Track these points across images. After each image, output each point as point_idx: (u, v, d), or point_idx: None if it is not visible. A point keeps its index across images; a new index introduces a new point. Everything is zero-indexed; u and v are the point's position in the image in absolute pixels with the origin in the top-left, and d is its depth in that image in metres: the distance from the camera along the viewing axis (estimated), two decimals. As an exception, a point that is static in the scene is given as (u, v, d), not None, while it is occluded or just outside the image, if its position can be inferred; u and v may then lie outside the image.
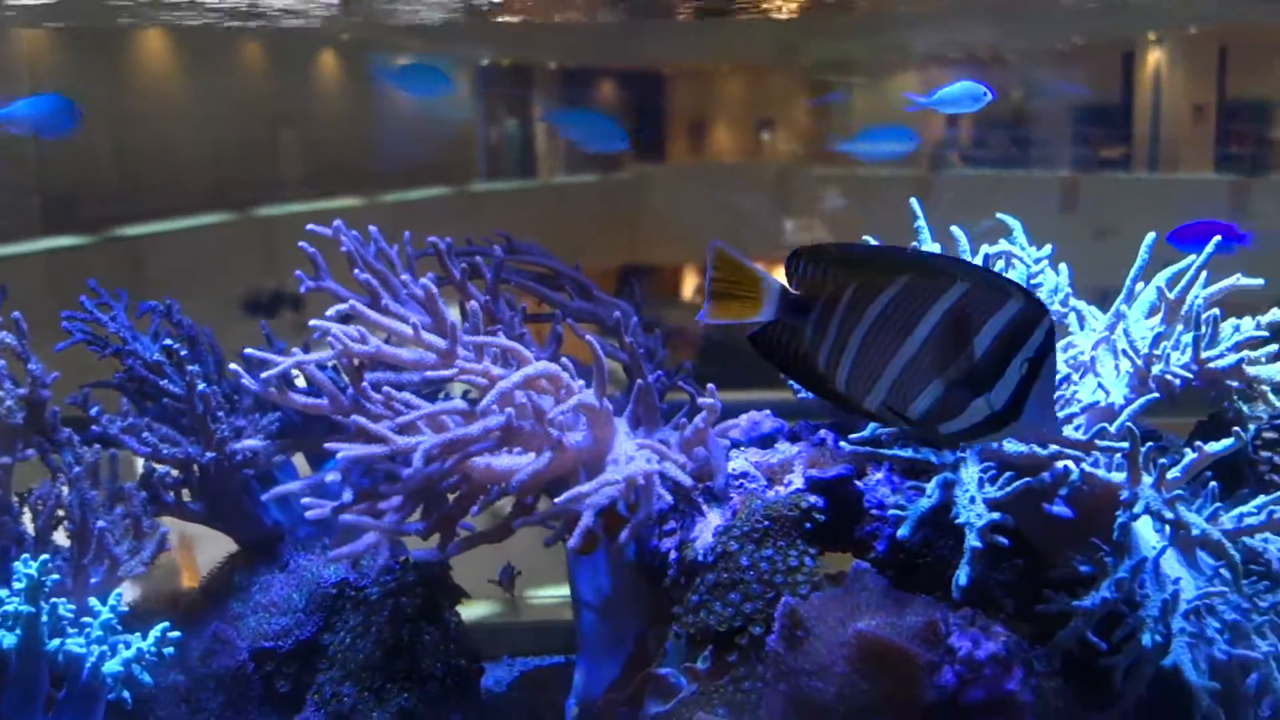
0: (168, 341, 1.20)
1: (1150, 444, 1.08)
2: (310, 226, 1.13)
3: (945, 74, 2.80)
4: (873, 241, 1.10)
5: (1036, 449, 1.00)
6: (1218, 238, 1.07)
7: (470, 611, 1.26)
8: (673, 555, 1.11)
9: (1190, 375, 1.03)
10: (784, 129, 2.99)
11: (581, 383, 1.10)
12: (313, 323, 1.06)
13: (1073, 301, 1.11)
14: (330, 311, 1.07)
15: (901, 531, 1.03)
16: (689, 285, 3.32)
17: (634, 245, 3.04)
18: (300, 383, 1.11)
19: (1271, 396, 1.07)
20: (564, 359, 1.13)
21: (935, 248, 1.12)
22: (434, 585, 1.19)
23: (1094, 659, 1.01)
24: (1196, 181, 2.74)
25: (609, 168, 2.97)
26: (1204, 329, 1.03)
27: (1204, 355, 1.03)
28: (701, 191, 2.89)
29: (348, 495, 1.04)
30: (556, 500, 1.05)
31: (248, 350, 1.08)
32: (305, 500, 1.04)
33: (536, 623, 1.60)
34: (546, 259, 1.30)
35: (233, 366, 1.08)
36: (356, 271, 1.11)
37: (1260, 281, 1.06)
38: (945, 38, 2.61)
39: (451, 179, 2.86)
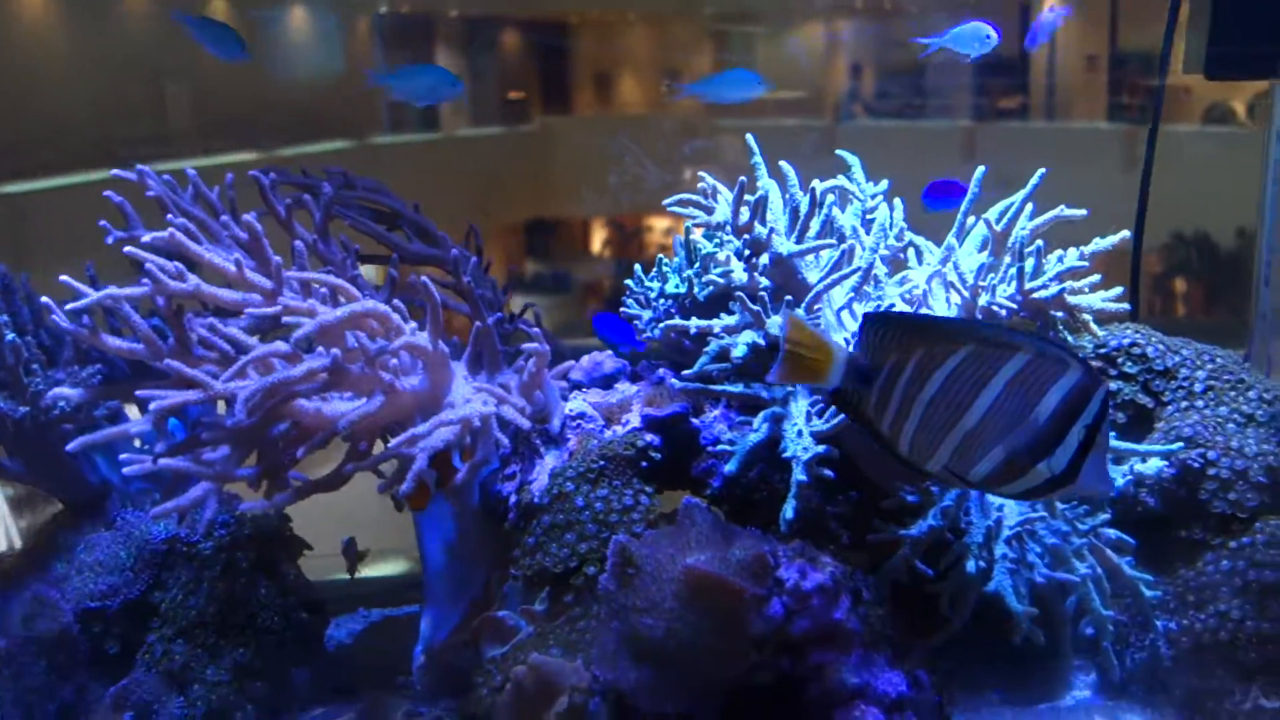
0: (-32, 290, 1.13)
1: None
2: (115, 172, 1.06)
3: (848, 24, 2.80)
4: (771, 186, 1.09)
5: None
6: (1042, 170, 1.08)
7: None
8: (512, 499, 1.09)
9: (1015, 306, 1.04)
10: (689, 80, 2.96)
11: (414, 325, 1.07)
12: (128, 250, 1.00)
13: (908, 236, 1.12)
14: (146, 239, 1.02)
15: (729, 467, 1.03)
16: (597, 239, 3.29)
17: (541, 199, 2.99)
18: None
19: (1094, 326, 1.09)
20: (397, 300, 1.10)
21: (772, 185, 1.11)
22: (271, 538, 1.15)
23: (923, 586, 1.03)
24: (1090, 130, 2.80)
25: (515, 120, 2.91)
26: (1028, 260, 1.04)
27: (1028, 286, 1.04)
28: (607, 143, 2.84)
29: (160, 447, 1.00)
30: (390, 443, 1.02)
31: (62, 277, 1.02)
32: (124, 456, 0.99)
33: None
34: (386, 197, 1.25)
35: (44, 300, 1.02)
36: (170, 217, 1.05)
37: (1083, 212, 1.08)
38: (848, -14, 2.60)
39: (351, 132, 2.77)
